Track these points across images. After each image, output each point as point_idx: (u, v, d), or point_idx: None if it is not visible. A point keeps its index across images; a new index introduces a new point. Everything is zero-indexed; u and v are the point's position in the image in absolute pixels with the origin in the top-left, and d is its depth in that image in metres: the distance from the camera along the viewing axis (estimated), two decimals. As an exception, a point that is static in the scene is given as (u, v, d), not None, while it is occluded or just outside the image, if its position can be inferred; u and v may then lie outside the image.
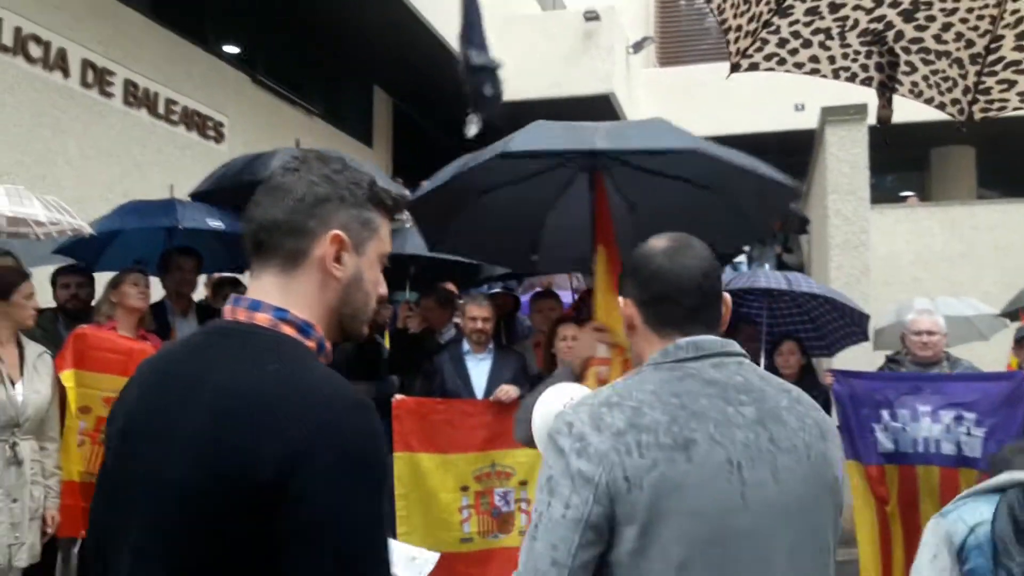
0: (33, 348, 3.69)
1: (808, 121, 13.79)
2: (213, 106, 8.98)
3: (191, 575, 1.02)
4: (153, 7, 8.20)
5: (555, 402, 2.35)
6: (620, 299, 1.50)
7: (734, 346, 1.43)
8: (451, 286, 5.60)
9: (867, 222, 7.29)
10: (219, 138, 9.13)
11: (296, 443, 0.98)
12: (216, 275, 5.98)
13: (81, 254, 4.97)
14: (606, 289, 2.97)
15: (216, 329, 1.18)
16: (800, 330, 5.37)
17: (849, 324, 5.15)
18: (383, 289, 1.30)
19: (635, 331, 1.47)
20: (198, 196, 5.17)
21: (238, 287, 5.31)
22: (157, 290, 4.82)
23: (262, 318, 1.16)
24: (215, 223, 4.68)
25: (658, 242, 1.48)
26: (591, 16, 12.97)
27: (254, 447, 0.98)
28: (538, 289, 5.48)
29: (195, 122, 8.68)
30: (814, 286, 4.82)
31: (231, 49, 9.65)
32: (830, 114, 7.57)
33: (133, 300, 4.15)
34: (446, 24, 10.83)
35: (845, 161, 7.15)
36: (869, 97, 8.69)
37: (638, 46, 14.69)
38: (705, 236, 1.49)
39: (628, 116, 13.97)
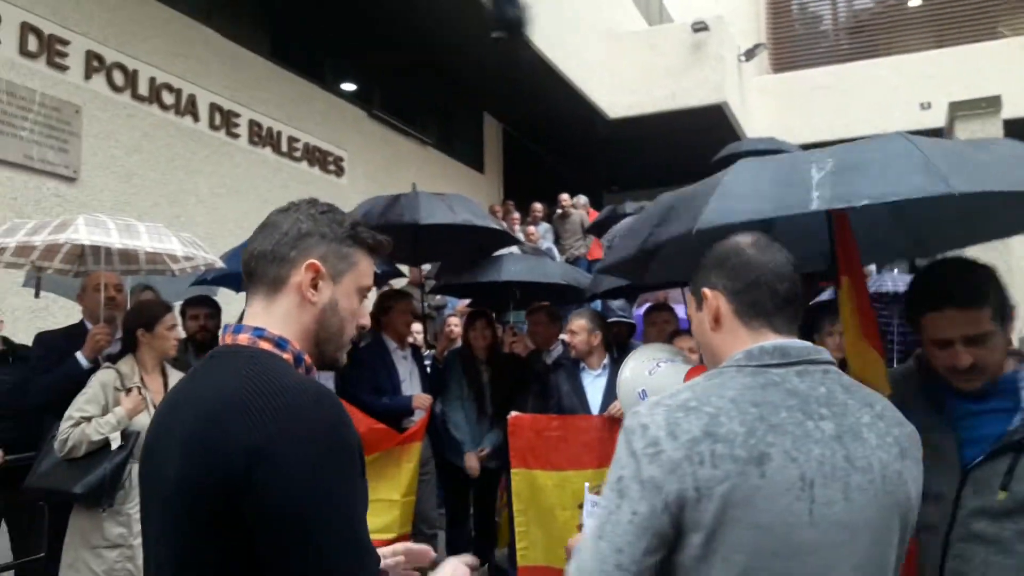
0: (177, 377, 3.89)
1: (935, 120, 13.21)
2: (333, 142, 9.34)
3: (192, 559, 1.15)
4: (273, 50, 8.62)
5: (641, 364, 2.21)
6: (706, 291, 1.42)
7: (822, 353, 1.37)
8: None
9: None
10: (339, 172, 9.48)
11: (259, 437, 1.11)
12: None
13: (226, 279, 5.23)
14: (855, 333, 2.39)
15: (211, 354, 1.32)
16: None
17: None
18: (364, 320, 1.45)
19: (720, 325, 1.41)
20: None
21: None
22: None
23: (243, 338, 1.31)
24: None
25: (742, 238, 1.45)
26: (699, 27, 12.82)
27: (226, 442, 1.12)
28: (650, 303, 5.35)
29: (316, 158, 9.05)
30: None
31: (348, 86, 10.02)
32: (959, 109, 7.14)
33: None
34: (553, 48, 10.92)
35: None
36: (1002, 88, 8.17)
37: (750, 53, 14.41)
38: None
39: (743, 124, 13.69)
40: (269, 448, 1.11)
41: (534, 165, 14.16)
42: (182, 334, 3.97)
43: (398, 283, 6.72)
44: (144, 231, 3.73)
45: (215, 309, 4.93)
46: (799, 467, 1.22)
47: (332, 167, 9.37)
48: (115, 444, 3.36)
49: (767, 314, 1.36)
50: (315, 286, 1.34)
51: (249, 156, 8.05)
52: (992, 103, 6.89)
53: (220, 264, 4.17)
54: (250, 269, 1.35)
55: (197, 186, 7.40)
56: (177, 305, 5.03)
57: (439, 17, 9.76)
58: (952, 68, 13.96)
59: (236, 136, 7.90)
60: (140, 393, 3.50)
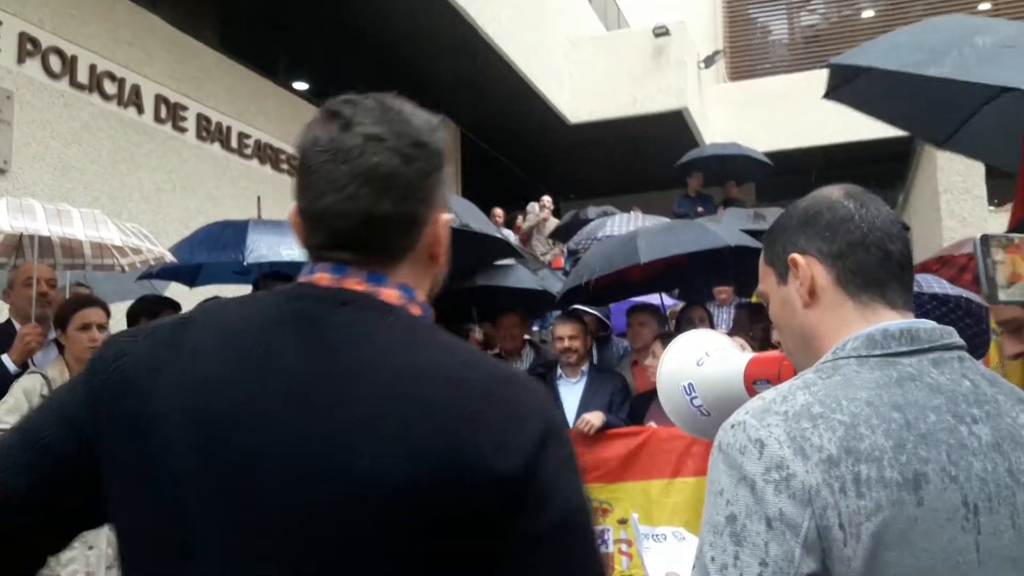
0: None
1: (888, 129, 13.26)
2: (285, 139, 8.93)
3: None
4: (222, 41, 8.20)
5: (687, 353, 1.77)
6: (796, 257, 1.11)
7: (953, 335, 1.07)
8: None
9: (985, 223, 6.74)
10: (292, 171, 9.06)
11: (530, 440, 0.85)
12: None
13: (178, 274, 4.81)
14: None
15: (327, 297, 0.93)
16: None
17: (985, 331, 4.62)
18: None
19: (816, 300, 1.10)
20: None
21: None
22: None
23: (392, 295, 0.94)
24: (289, 252, 4.41)
25: (833, 191, 1.14)
26: (660, 32, 12.69)
27: (493, 438, 0.83)
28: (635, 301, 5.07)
29: (268, 155, 8.63)
30: (947, 287, 4.28)
31: (302, 83, 9.63)
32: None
33: None
34: (513, 51, 10.66)
35: (958, 159, 6.63)
36: None
37: (709, 60, 14.35)
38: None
39: (702, 132, 13.59)
40: (543, 454, 0.85)
41: (493, 169, 13.85)
42: (101, 335, 3.52)
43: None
44: (78, 217, 3.32)
45: (174, 311, 4.53)
46: (960, 488, 0.92)
47: (285, 165, 8.95)
48: (42, 458, 2.96)
49: (879, 283, 1.06)
50: (444, 245, 1.01)
51: (197, 151, 7.61)
52: (970, 104, 6.81)
53: (170, 258, 3.78)
54: (359, 237, 0.94)
55: (141, 182, 6.94)
56: (122, 305, 4.62)
57: (397, 17, 9.44)
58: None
59: (183, 130, 7.46)
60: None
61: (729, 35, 18.82)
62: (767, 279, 1.19)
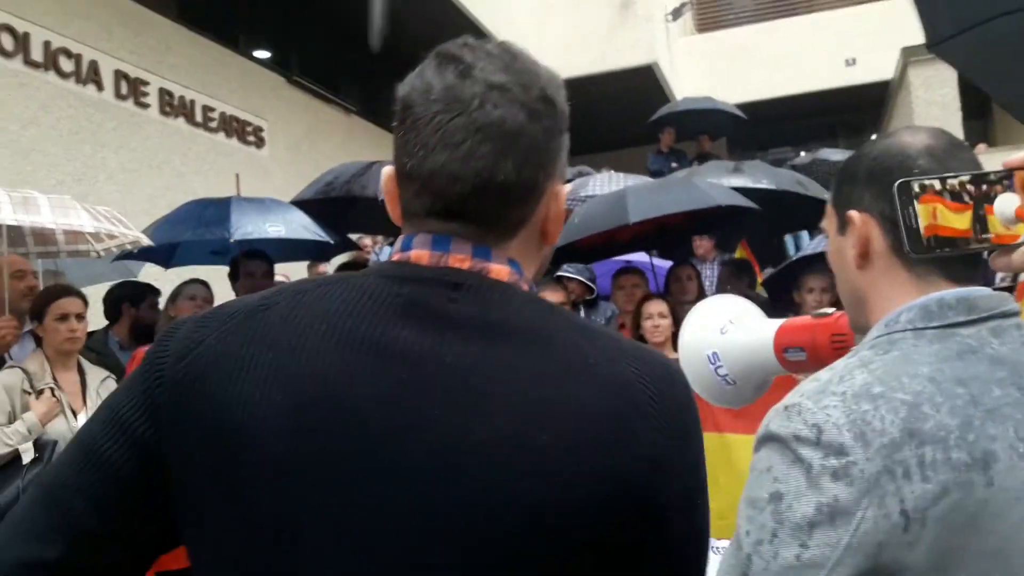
0: (96, 374, 3.37)
1: (861, 76, 13.24)
2: (251, 111, 8.71)
3: None
4: (181, 12, 7.93)
5: (709, 320, 1.66)
6: (853, 215, 1.01)
7: (1009, 300, 1.00)
8: None
9: (964, 167, 6.72)
10: (260, 143, 8.86)
11: (664, 438, 0.76)
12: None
13: (153, 254, 4.68)
14: None
15: (436, 279, 0.79)
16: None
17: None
18: None
19: (869, 263, 1.02)
20: (301, 204, 4.76)
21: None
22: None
23: (501, 271, 0.81)
24: (274, 228, 4.32)
25: (914, 138, 1.03)
26: (627, -14, 12.50)
27: (630, 450, 0.74)
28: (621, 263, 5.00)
29: (234, 128, 8.41)
30: None
31: (264, 51, 9.38)
32: (912, 54, 7.00)
33: None
34: (479, 10, 10.45)
35: (934, 103, 6.61)
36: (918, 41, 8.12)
37: (676, 13, 14.16)
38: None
39: (672, 87, 13.48)
40: (676, 454, 0.77)
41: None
42: (86, 325, 3.40)
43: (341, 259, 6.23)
44: (46, 204, 3.19)
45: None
46: None
47: (252, 138, 8.73)
48: (27, 457, 2.85)
49: (942, 257, 1.00)
50: (560, 222, 0.87)
51: (161, 128, 7.39)
52: (946, 48, 6.76)
53: (146, 241, 3.65)
54: (466, 206, 0.79)
55: (105, 161, 6.73)
56: (96, 289, 4.49)
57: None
58: (875, 23, 13.96)
59: (146, 106, 7.22)
60: (53, 395, 2.99)
61: (694, -14, 18.60)
62: (830, 220, 1.12)
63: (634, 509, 0.72)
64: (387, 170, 0.85)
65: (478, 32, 10.89)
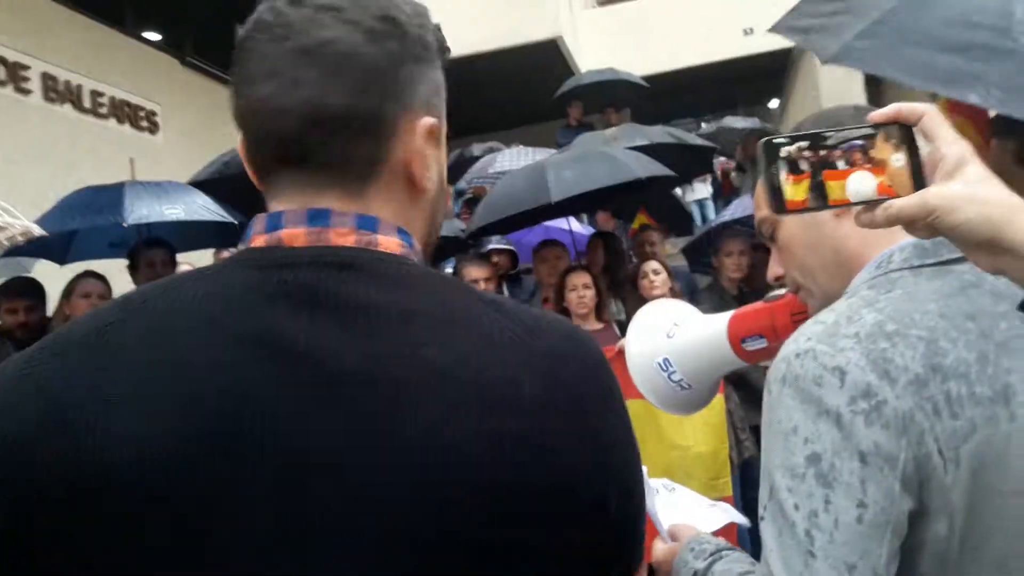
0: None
1: (758, 45, 13.51)
2: (143, 94, 8.30)
3: None
4: (62, -9, 7.48)
5: (652, 329, 1.58)
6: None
7: None
8: None
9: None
10: (154, 128, 8.47)
11: (617, 424, 0.69)
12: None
13: (46, 249, 4.36)
14: None
15: (317, 261, 0.66)
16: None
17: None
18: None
19: (847, 211, 0.97)
20: (199, 185, 4.47)
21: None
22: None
23: (393, 243, 0.70)
24: (172, 210, 4.08)
25: (846, 106, 1.06)
26: (528, -41, 12.40)
27: (587, 438, 0.66)
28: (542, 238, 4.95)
29: (126, 113, 8.01)
30: None
31: (154, 32, 8.93)
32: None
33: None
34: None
35: (837, 69, 6.77)
36: None
37: (578, -14, 14.16)
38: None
39: (578, 60, 13.49)
40: (624, 438, 0.69)
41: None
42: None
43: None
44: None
45: (37, 299, 4.11)
46: None
47: (145, 123, 8.34)
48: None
49: None
50: (427, 163, 0.74)
51: (46, 115, 6.97)
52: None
53: (39, 231, 3.39)
54: (304, 145, 0.68)
55: (-15, 152, 6.30)
56: None
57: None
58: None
59: (27, 92, 6.80)
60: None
61: (593, -40, 18.63)
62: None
63: (572, 492, 0.63)
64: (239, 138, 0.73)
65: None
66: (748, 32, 13.95)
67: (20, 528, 0.56)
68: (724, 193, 10.49)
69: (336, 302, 0.64)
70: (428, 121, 0.73)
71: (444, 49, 0.78)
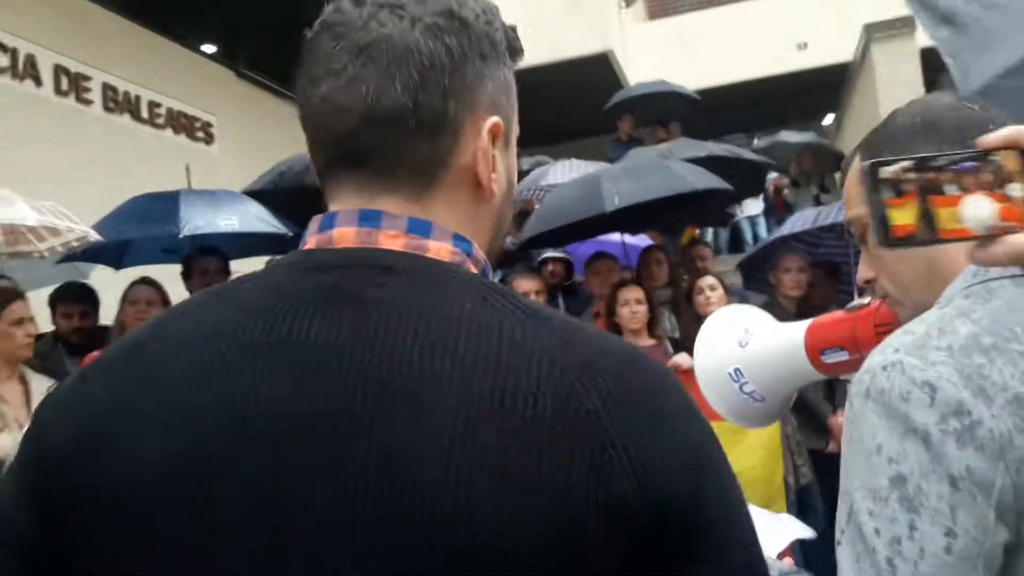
0: (40, 382, 3.16)
1: (811, 60, 13.32)
2: (199, 106, 8.43)
3: None
4: (123, 4, 7.63)
5: (725, 337, 1.51)
6: None
7: None
8: None
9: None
10: (209, 139, 8.60)
11: (700, 433, 0.64)
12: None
13: (102, 254, 4.43)
14: None
15: (358, 262, 0.65)
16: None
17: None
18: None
19: None
20: (253, 195, 4.51)
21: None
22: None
23: (441, 249, 0.67)
24: (227, 221, 4.10)
25: (940, 96, 1.00)
26: (579, -27, 12.40)
27: (671, 448, 0.61)
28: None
29: (182, 124, 8.15)
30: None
31: (210, 44, 9.09)
32: (876, 30, 6.97)
33: (132, 324, 3.58)
34: None
35: (898, 82, 6.59)
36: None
37: (629, 0, 14.12)
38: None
39: (627, 74, 13.43)
40: (708, 447, 0.63)
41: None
42: (36, 329, 3.21)
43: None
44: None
45: (92, 304, 4.16)
46: None
47: (200, 134, 8.47)
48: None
49: None
50: (494, 165, 0.71)
51: (106, 124, 7.11)
52: (907, 23, 6.78)
53: (95, 236, 3.43)
54: (359, 143, 0.67)
55: (48, 162, 6.43)
56: (39, 293, 4.24)
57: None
58: (824, 6, 14.05)
59: (88, 102, 6.94)
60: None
61: (644, -26, 18.59)
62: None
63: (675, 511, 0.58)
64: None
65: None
66: (802, 47, 13.78)
67: (56, 538, 0.61)
68: (777, 210, 10.30)
69: (363, 307, 0.62)
70: (494, 120, 0.70)
71: (516, 49, 0.76)
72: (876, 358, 0.82)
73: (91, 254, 4.26)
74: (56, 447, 0.62)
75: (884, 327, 1.21)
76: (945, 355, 0.78)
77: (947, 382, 0.76)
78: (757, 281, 4.66)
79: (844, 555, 0.79)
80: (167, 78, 7.95)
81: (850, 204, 1.05)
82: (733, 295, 4.34)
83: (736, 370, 1.41)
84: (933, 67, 7.09)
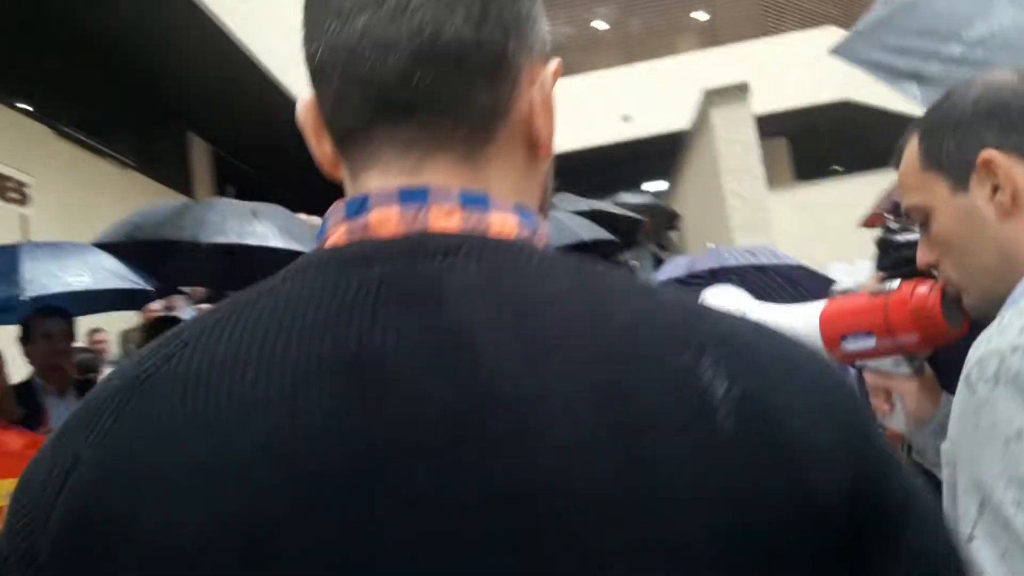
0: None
1: (635, 132, 14.06)
2: (13, 164, 7.71)
3: None
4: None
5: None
6: (992, 156, 0.88)
7: None
8: None
9: (766, 200, 7.28)
10: (23, 200, 7.85)
11: (877, 437, 0.51)
12: (152, 314, 4.82)
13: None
14: None
15: (414, 250, 0.50)
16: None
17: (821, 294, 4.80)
18: None
19: (1019, 208, 0.88)
20: (104, 247, 4.02)
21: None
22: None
23: (504, 223, 0.53)
24: (77, 279, 3.66)
25: (1004, 74, 0.95)
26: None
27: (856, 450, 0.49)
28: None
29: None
30: (783, 256, 4.40)
31: (26, 101, 8.41)
32: (714, 97, 7.53)
33: None
34: (276, 62, 10.04)
35: (736, 142, 7.10)
36: (748, 76, 8.62)
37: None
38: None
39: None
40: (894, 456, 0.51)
41: (255, 190, 13.03)
42: None
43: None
44: None
45: None
46: None
47: (14, 195, 7.70)
48: None
49: None
50: (552, 119, 0.58)
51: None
52: (742, 89, 7.32)
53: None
54: (416, 89, 0.52)
55: None
56: None
57: (127, 18, 8.49)
58: (643, 81, 14.90)
59: None
60: None
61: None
62: (930, 188, 0.97)
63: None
64: (301, 101, 0.59)
65: (269, 88, 10.37)
66: (627, 119, 14.55)
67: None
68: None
69: (437, 307, 0.48)
70: (557, 62, 0.59)
71: None
72: (1002, 340, 0.78)
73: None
74: (50, 510, 0.49)
75: (926, 318, 1.11)
76: None
77: None
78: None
79: (983, 551, 0.73)
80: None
81: (908, 191, 1.03)
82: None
83: None
84: (767, 132, 7.75)
